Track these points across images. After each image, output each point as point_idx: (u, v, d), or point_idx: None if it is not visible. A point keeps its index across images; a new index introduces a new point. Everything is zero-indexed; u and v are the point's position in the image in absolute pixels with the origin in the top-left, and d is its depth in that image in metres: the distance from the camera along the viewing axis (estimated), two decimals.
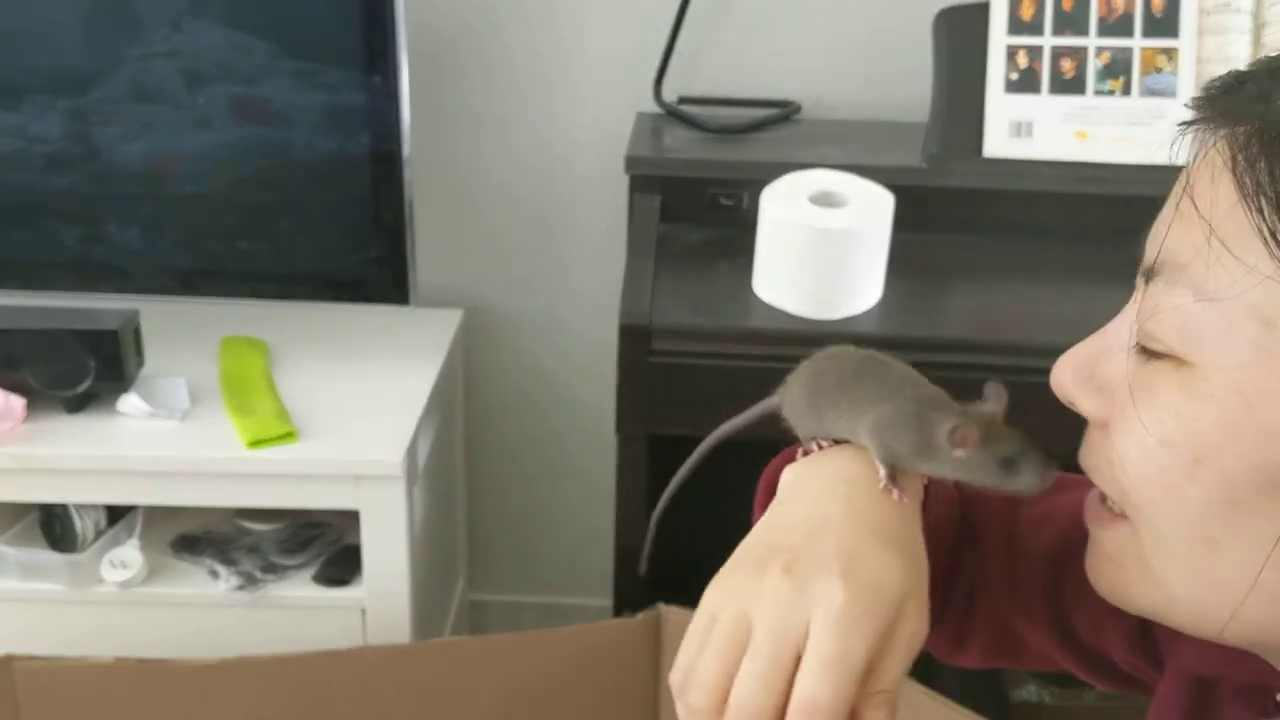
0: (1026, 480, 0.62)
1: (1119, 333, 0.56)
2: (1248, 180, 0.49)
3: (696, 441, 1.68)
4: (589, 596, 1.98)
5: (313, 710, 1.38)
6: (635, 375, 1.41)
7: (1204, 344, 0.50)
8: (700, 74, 1.72)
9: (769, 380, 1.39)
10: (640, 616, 1.46)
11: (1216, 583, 0.51)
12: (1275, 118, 0.50)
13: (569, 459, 1.93)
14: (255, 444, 1.43)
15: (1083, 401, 0.57)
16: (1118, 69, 1.45)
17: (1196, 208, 0.52)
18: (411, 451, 1.46)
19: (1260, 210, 0.48)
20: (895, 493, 0.63)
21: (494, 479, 1.97)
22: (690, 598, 1.62)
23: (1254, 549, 0.50)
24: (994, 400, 0.64)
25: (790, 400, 0.70)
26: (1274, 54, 0.54)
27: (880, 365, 0.68)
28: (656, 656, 1.47)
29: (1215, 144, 0.52)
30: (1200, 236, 0.50)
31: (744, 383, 1.40)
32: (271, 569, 1.53)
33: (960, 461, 0.62)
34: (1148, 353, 0.53)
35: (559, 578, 2.01)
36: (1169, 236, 0.53)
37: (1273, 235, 0.48)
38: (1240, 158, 0.50)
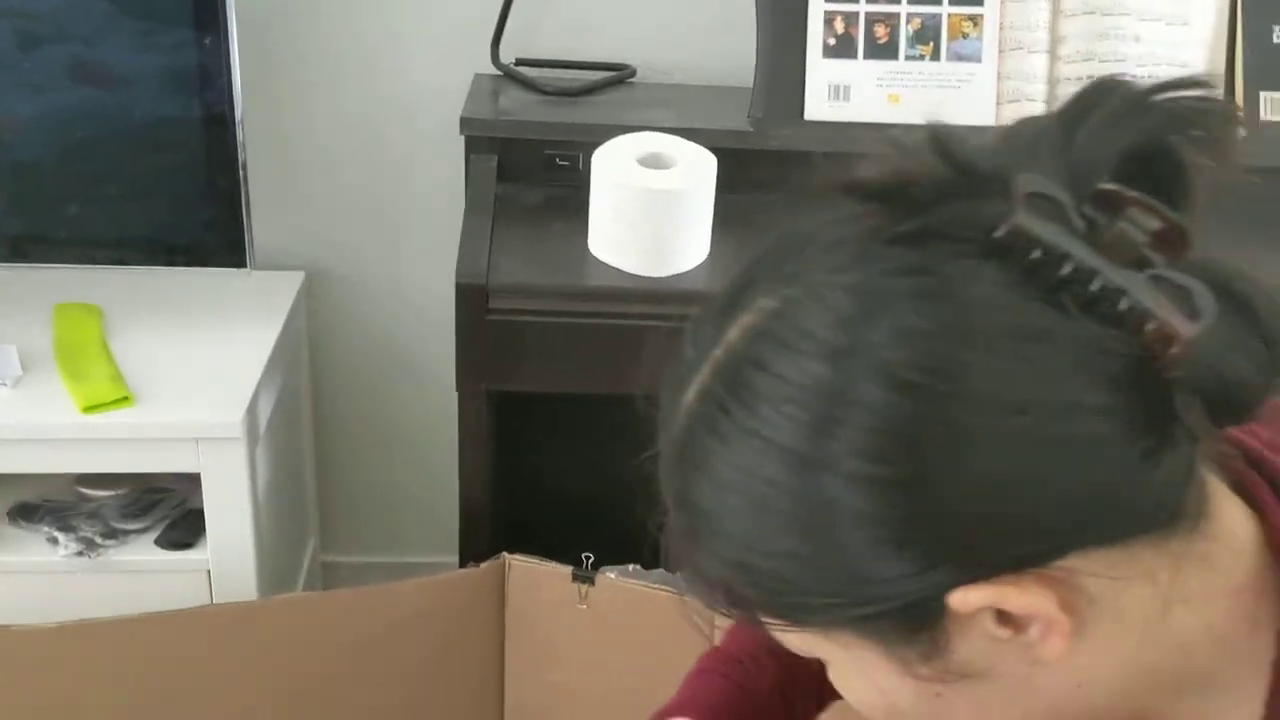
0: None
1: None
2: None
3: (538, 398, 1.73)
4: (441, 554, 2.01)
5: (158, 671, 1.39)
6: (473, 333, 1.45)
7: None
8: (538, 36, 1.75)
9: (605, 336, 1.44)
10: (484, 566, 1.50)
11: None
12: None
13: (415, 418, 1.95)
14: (90, 409, 1.43)
15: None
16: (927, 35, 1.53)
17: None
18: (251, 412, 1.47)
19: None
20: None
21: (343, 440, 1.98)
22: (532, 548, 1.67)
23: None
24: None
25: None
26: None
27: None
28: (501, 603, 1.52)
29: None
30: None
31: (580, 339, 1.46)
32: (112, 534, 1.53)
33: None
34: None
35: (410, 536, 2.04)
36: None
37: None
38: None
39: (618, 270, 1.46)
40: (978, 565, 0.48)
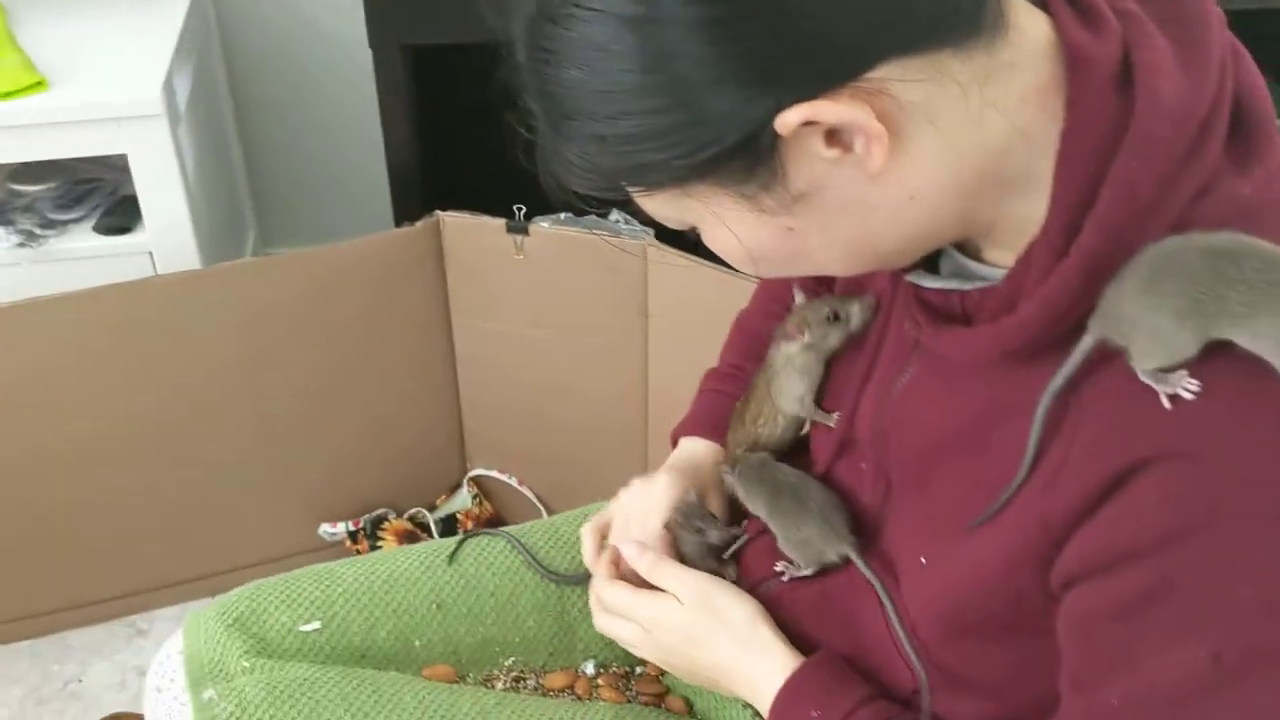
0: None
1: None
2: None
3: (454, 49, 1.73)
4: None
5: (111, 341, 1.44)
6: None
7: None
8: None
9: None
10: (420, 224, 1.54)
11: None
12: None
13: (336, 92, 1.95)
14: (5, 95, 1.42)
15: None
16: None
17: None
18: (168, 88, 1.47)
19: None
20: None
21: (267, 125, 1.99)
22: (461, 205, 1.70)
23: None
24: None
25: None
26: None
27: None
28: (440, 259, 1.57)
29: None
30: None
31: None
32: (50, 225, 1.55)
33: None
34: None
35: (347, 220, 2.07)
36: None
37: None
38: None
39: None
40: (794, 87, 0.55)
